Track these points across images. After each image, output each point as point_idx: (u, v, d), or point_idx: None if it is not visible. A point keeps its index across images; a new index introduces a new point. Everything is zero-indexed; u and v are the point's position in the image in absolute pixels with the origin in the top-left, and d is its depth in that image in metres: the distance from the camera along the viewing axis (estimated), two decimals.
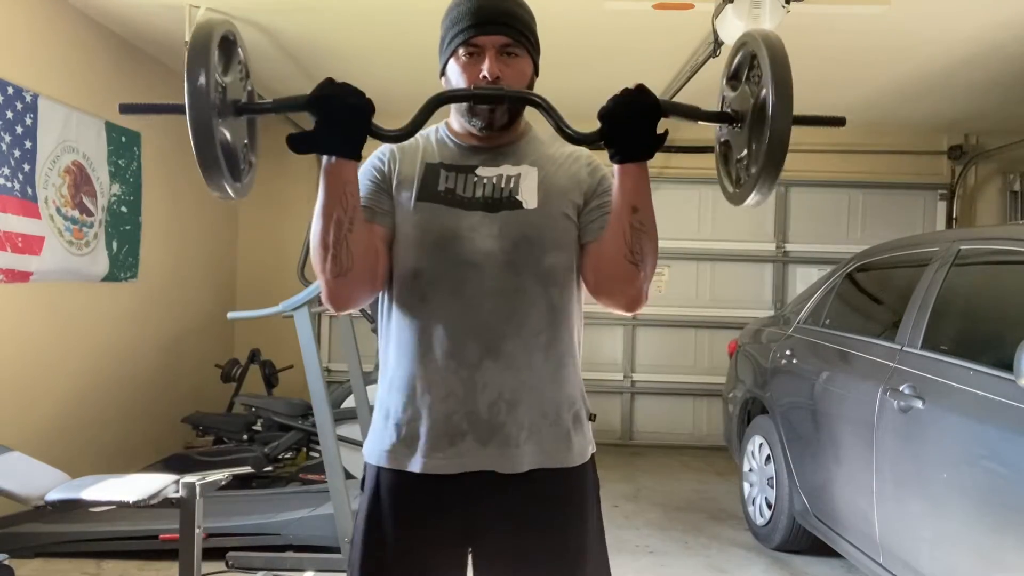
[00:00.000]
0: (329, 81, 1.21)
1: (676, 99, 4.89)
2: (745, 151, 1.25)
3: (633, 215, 1.28)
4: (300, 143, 1.21)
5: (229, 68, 1.23)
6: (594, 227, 1.39)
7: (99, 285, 4.33)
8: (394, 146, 1.44)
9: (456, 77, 1.36)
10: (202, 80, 1.11)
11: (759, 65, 1.20)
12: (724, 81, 1.35)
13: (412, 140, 1.44)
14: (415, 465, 1.36)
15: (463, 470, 1.34)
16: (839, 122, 1.27)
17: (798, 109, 1.15)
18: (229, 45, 1.23)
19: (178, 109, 1.16)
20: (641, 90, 1.23)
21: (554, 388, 1.38)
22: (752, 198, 1.24)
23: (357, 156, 1.25)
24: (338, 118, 1.21)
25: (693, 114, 1.28)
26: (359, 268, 1.29)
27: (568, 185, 1.40)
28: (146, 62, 4.73)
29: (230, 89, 1.22)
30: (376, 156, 1.45)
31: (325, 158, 1.24)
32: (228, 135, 1.20)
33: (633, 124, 1.23)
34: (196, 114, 1.11)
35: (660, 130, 1.24)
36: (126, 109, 1.22)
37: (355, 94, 1.22)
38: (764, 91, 1.18)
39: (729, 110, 1.31)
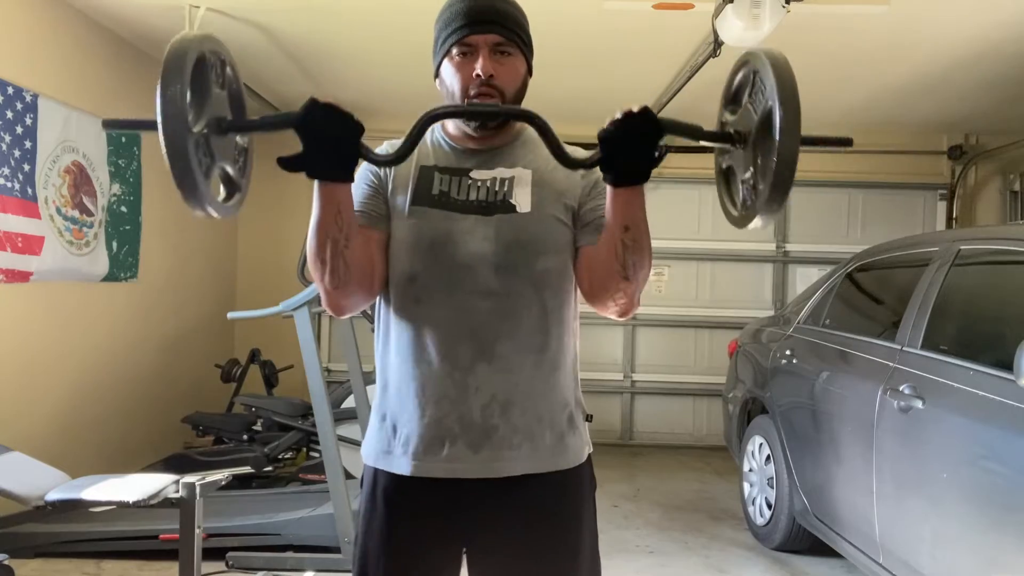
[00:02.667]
0: (314, 104, 1.15)
1: (676, 99, 4.92)
2: (750, 171, 1.20)
3: (625, 233, 1.26)
4: (290, 166, 1.17)
5: (212, 85, 1.17)
6: (588, 230, 1.38)
7: (99, 285, 4.33)
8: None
9: (450, 77, 1.35)
10: (174, 95, 1.06)
11: (762, 82, 1.15)
12: (723, 106, 1.29)
13: None
14: (408, 469, 1.36)
15: (455, 476, 1.34)
16: (846, 143, 1.23)
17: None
18: (212, 62, 1.17)
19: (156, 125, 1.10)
20: (644, 114, 1.17)
21: (548, 391, 1.38)
22: (758, 220, 1.19)
23: (349, 179, 1.22)
24: (326, 145, 1.17)
25: (694, 133, 1.24)
26: (356, 278, 1.30)
27: (563, 188, 1.39)
28: (146, 62, 4.72)
29: (214, 106, 1.17)
30: None
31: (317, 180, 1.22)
32: (211, 153, 1.15)
33: (634, 150, 1.19)
34: (168, 129, 1.06)
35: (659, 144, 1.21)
36: (109, 125, 1.18)
37: (342, 121, 1.16)
38: (770, 105, 1.12)
39: (731, 131, 1.25)
